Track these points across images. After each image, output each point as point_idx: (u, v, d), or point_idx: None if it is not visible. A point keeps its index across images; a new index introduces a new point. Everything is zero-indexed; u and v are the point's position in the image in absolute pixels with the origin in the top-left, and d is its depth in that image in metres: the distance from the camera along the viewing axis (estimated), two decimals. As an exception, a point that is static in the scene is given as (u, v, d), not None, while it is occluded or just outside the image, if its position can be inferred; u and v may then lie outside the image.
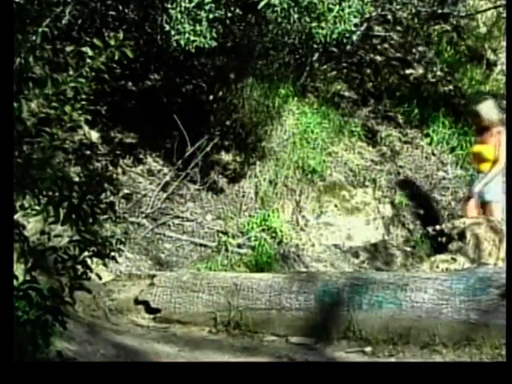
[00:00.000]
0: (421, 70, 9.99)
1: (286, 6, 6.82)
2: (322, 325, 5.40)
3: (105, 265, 3.47)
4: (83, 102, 3.31)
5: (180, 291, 5.59)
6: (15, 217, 3.19)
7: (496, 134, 7.85)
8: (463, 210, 8.12)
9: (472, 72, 9.92)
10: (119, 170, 7.93)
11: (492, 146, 7.84)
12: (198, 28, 6.89)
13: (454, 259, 7.91)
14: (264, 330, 5.46)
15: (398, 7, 8.80)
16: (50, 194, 3.24)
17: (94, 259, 3.38)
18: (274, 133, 8.47)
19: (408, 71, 9.98)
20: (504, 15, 9.82)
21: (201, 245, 7.64)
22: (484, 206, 7.85)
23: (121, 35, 3.30)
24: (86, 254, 3.34)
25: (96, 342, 4.81)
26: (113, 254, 3.39)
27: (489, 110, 8.02)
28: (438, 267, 7.80)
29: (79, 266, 3.33)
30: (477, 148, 8.10)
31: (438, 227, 8.31)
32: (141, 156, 8.21)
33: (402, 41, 10.15)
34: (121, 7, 7.82)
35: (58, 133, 3.27)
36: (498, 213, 7.71)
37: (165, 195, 7.85)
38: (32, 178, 3.18)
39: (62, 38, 7.79)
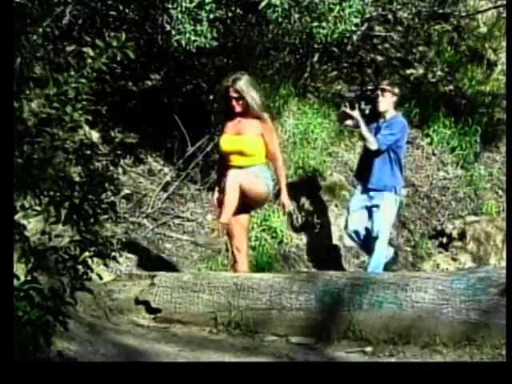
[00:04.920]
0: (421, 70, 10.00)
1: (286, 6, 6.84)
2: (322, 325, 5.40)
3: (105, 265, 3.47)
4: (84, 102, 3.31)
5: (180, 291, 5.59)
6: (16, 217, 3.20)
7: (261, 122, 6.14)
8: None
9: (472, 72, 9.94)
10: (120, 170, 7.94)
11: (256, 138, 6.15)
12: (198, 28, 6.91)
13: (454, 259, 7.92)
14: (264, 330, 5.45)
15: (399, 7, 8.82)
16: (51, 194, 3.24)
17: (95, 259, 3.39)
18: (274, 133, 8.48)
19: (408, 71, 9.99)
20: (504, 15, 9.84)
21: (201, 245, 7.65)
22: None
23: (122, 35, 3.30)
24: (86, 254, 3.34)
25: (96, 342, 4.82)
26: (113, 254, 3.39)
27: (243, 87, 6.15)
28: (438, 267, 7.81)
29: (80, 266, 3.34)
30: (233, 141, 6.17)
31: (438, 227, 8.33)
32: (141, 156, 8.23)
33: (402, 41, 10.17)
34: (121, 7, 7.83)
35: (58, 133, 3.27)
36: None
37: (165, 195, 7.86)
38: (33, 178, 3.18)
39: (63, 38, 7.80)
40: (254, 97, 6.11)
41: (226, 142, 6.21)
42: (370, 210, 7.26)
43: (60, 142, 3.27)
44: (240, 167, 6.12)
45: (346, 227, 7.45)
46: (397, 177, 7.26)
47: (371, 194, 7.24)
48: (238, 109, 6.13)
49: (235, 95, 6.11)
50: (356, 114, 7.11)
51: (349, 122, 7.36)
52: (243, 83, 6.11)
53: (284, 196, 6.30)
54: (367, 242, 7.28)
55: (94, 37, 3.49)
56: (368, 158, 7.26)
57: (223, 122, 6.34)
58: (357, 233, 7.34)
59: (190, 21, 6.89)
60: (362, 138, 7.26)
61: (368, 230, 7.27)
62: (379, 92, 7.22)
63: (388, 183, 7.18)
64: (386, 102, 7.21)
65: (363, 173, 7.33)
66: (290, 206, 6.44)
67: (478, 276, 5.39)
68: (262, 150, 6.17)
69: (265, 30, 7.83)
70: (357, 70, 9.74)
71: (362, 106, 7.24)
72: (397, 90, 7.36)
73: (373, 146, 7.11)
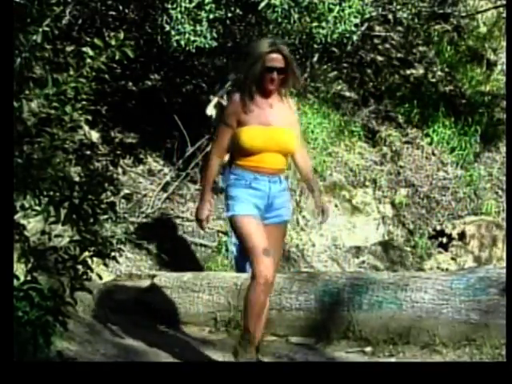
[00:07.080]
0: (421, 70, 10.00)
1: (286, 6, 6.84)
2: (322, 325, 5.40)
3: (105, 265, 3.47)
4: (84, 102, 3.31)
5: (180, 291, 5.60)
6: (16, 217, 3.20)
7: (292, 109, 4.75)
8: None
9: (472, 72, 9.93)
10: (119, 170, 7.94)
11: (293, 131, 4.67)
12: (198, 28, 6.91)
13: (454, 259, 7.92)
14: (264, 330, 5.45)
15: (399, 7, 8.80)
16: (51, 194, 3.24)
17: (95, 259, 3.39)
18: (274, 133, 8.47)
19: (408, 71, 9.99)
20: (504, 15, 9.84)
21: (201, 245, 7.64)
22: None
23: (121, 35, 3.30)
24: (86, 253, 3.35)
25: (96, 342, 4.82)
26: (113, 253, 3.39)
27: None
28: (438, 267, 7.80)
29: (80, 266, 3.34)
30: (269, 134, 4.55)
31: (438, 227, 8.33)
32: (141, 156, 8.22)
33: (402, 41, 10.16)
34: (121, 7, 7.83)
35: (58, 133, 3.27)
36: None
37: (165, 195, 7.85)
38: (33, 178, 3.18)
39: (63, 37, 7.80)
40: (297, 70, 4.59)
41: (257, 134, 4.51)
42: None
43: (60, 141, 3.27)
44: (274, 174, 4.55)
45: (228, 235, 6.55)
46: None
47: None
48: (273, 86, 4.51)
49: (280, 65, 4.48)
50: None
51: None
52: (288, 51, 4.58)
53: (321, 201, 4.79)
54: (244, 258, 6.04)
55: (94, 37, 3.48)
56: None
57: (239, 107, 4.54)
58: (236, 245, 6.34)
59: (190, 21, 6.89)
60: None
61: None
62: None
63: None
64: None
65: None
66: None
67: (478, 276, 5.40)
68: None
69: (265, 30, 7.80)
70: (357, 70, 9.74)
71: None
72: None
73: None
